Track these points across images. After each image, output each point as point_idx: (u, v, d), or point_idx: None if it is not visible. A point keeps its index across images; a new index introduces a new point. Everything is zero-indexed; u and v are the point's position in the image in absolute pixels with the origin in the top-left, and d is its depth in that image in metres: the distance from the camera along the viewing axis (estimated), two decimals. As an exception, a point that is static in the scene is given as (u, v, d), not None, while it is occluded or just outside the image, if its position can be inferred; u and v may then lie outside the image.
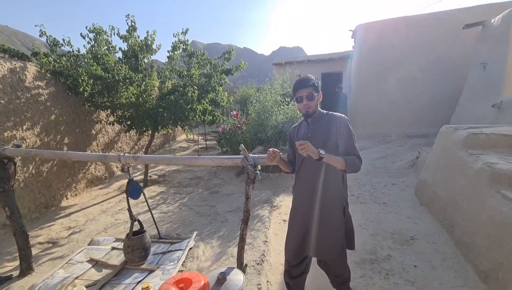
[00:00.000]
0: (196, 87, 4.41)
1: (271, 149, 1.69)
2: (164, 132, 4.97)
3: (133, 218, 2.43)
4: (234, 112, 6.88)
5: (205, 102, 5.00)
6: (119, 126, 5.73)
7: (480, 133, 2.73)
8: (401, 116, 8.16)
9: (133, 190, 2.41)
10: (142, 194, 2.51)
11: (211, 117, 5.10)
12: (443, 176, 3.05)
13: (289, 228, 1.87)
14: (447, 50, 7.27)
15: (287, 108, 5.68)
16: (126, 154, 2.24)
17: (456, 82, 7.28)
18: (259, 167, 1.95)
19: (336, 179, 1.65)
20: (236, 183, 5.23)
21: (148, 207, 2.67)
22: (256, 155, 1.93)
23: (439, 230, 2.87)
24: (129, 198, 2.42)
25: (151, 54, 4.29)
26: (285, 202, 4.24)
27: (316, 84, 1.64)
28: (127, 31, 4.00)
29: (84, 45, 4.28)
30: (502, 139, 2.64)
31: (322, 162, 1.50)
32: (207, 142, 9.66)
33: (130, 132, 5.67)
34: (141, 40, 4.13)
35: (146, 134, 5.12)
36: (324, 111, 1.73)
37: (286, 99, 5.92)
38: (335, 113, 1.71)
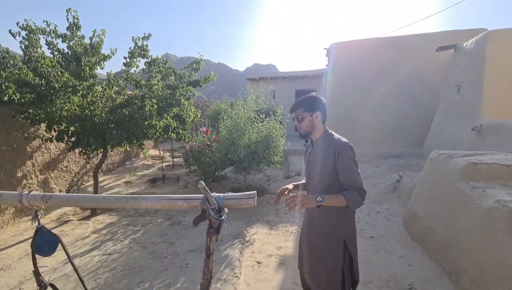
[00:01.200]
0: (155, 100, 3.75)
1: (286, 195, 1.56)
2: (120, 150, 4.19)
3: (42, 284, 1.68)
4: (204, 129, 6.26)
5: (168, 118, 4.34)
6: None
7: (481, 163, 2.41)
8: (376, 136, 8.09)
9: (42, 244, 1.67)
10: (60, 245, 1.76)
11: (174, 135, 4.43)
12: (439, 209, 2.67)
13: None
14: (419, 72, 7.39)
15: (262, 126, 5.20)
16: (32, 193, 1.53)
17: (429, 103, 7.39)
18: (226, 211, 1.37)
19: (331, 213, 1.53)
20: (203, 211, 4.54)
21: (71, 261, 1.91)
22: (222, 195, 1.34)
23: (439, 275, 2.45)
24: (36, 255, 1.67)
25: (101, 60, 3.58)
26: (259, 236, 3.65)
27: (309, 104, 1.58)
28: (67, 29, 3.28)
29: (20, 46, 3.43)
30: (505, 170, 2.33)
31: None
32: (174, 160, 8.83)
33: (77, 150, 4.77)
34: (86, 42, 3.41)
35: (99, 151, 4.30)
36: (330, 132, 1.62)
37: (261, 116, 5.45)
38: (336, 136, 1.57)
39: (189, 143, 6.14)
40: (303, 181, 1.75)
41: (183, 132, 4.69)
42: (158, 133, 4.09)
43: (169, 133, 4.37)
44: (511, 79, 4.14)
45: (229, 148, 4.91)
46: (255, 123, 5.22)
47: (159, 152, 10.26)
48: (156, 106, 3.71)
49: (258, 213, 4.50)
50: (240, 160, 4.79)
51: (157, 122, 3.93)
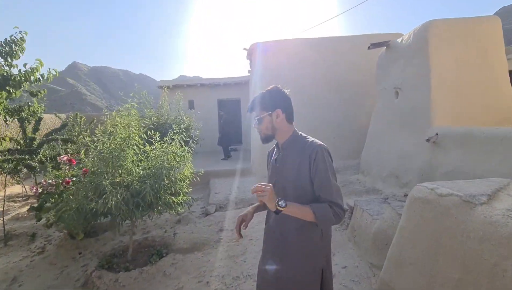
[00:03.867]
0: None
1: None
2: None
3: None
4: (64, 157, 3.96)
5: None
6: None
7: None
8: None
9: None
10: None
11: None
12: (452, 281, 1.36)
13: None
14: (350, 75, 6.76)
15: (154, 152, 3.35)
16: None
17: (366, 109, 6.81)
18: None
19: (313, 229, 1.29)
20: None
21: None
22: None
23: None
24: None
25: None
26: None
27: (265, 101, 1.36)
28: None
29: None
30: None
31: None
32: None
33: None
34: None
35: None
36: (300, 134, 1.41)
37: (155, 134, 3.57)
38: (310, 138, 1.36)
39: (44, 180, 3.82)
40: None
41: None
42: None
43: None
44: (462, 77, 3.46)
45: (91, 191, 2.87)
46: (141, 149, 3.33)
47: (23, 189, 7.06)
48: None
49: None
50: (109, 210, 2.80)
51: None
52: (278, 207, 1.15)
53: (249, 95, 7.80)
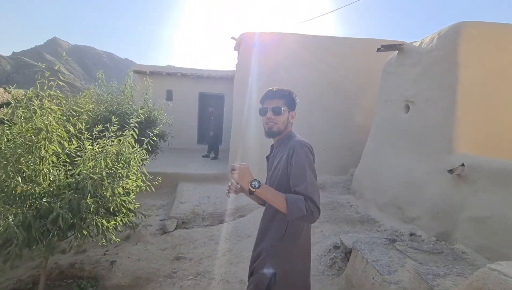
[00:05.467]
0: None
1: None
2: None
3: None
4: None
5: None
6: None
7: None
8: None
9: None
10: None
11: None
12: None
13: None
14: (348, 80, 6.05)
15: (88, 153, 2.38)
16: None
17: (358, 121, 6.13)
18: None
19: (280, 226, 1.27)
20: None
21: None
22: None
23: None
24: None
25: None
26: None
27: (291, 99, 1.41)
28: None
29: None
30: None
31: None
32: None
33: None
34: None
35: None
36: (294, 134, 1.41)
37: (94, 129, 2.59)
38: (298, 137, 1.37)
39: None
40: None
41: None
42: None
43: None
44: (494, 92, 2.77)
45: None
46: (68, 145, 2.36)
47: None
48: None
49: None
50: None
51: None
52: (250, 187, 1.15)
53: (233, 91, 6.90)
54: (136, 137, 2.83)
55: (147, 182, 3.08)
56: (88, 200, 1.98)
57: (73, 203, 2.04)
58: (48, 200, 2.02)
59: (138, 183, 2.89)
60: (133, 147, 2.79)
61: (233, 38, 6.16)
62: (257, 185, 1.13)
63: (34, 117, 2.20)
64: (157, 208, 5.17)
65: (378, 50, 3.90)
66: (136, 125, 2.87)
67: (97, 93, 4.68)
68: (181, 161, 7.56)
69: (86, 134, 2.44)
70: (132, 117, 2.96)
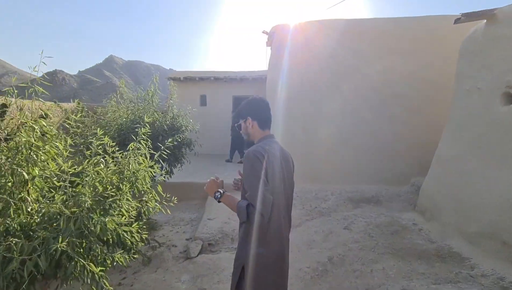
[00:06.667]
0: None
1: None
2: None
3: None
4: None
5: None
6: None
7: None
8: (338, 164, 5.41)
9: None
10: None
11: None
12: None
13: None
14: (406, 68, 4.97)
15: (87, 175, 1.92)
16: None
17: (428, 116, 5.00)
18: None
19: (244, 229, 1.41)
20: None
21: None
22: None
23: None
24: None
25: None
26: None
27: (241, 109, 1.57)
28: None
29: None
30: None
31: None
32: None
33: None
34: None
35: None
36: (260, 140, 1.52)
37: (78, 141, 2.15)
38: (262, 143, 1.47)
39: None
40: None
41: None
42: None
43: None
44: None
45: None
46: (63, 164, 1.93)
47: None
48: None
49: None
50: None
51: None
52: (215, 197, 1.42)
53: (266, 90, 6.23)
54: (149, 149, 2.36)
55: (164, 202, 2.58)
56: (60, 245, 1.47)
57: (48, 245, 1.56)
58: (19, 239, 1.56)
59: (151, 204, 2.41)
60: (140, 163, 2.29)
61: (264, 32, 5.51)
62: (218, 196, 1.41)
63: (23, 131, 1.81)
64: (185, 223, 4.72)
65: (457, 21, 2.87)
66: (146, 135, 2.40)
67: (118, 102, 4.41)
68: (214, 168, 7.12)
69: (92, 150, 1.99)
70: (140, 127, 2.48)
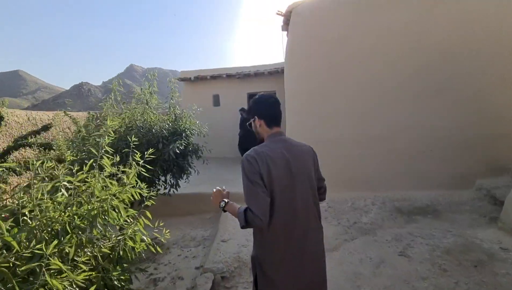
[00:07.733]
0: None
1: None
2: None
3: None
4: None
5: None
6: None
7: None
8: (377, 165, 4.42)
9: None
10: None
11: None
12: None
13: None
14: (466, 40, 3.93)
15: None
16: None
17: (497, 99, 3.93)
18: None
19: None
20: None
21: None
22: None
23: None
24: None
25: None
26: None
27: (249, 109, 1.54)
28: None
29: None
30: None
31: None
32: None
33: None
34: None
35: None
36: (266, 140, 1.48)
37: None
38: (263, 145, 1.44)
39: None
40: None
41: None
42: None
43: None
44: None
45: None
46: None
47: None
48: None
49: None
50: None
51: None
52: (220, 207, 1.43)
53: (284, 81, 5.36)
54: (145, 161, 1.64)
55: (151, 246, 1.80)
56: None
57: None
58: None
59: (130, 243, 1.68)
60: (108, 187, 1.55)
61: (279, 13, 4.65)
62: (222, 205, 1.42)
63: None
64: (196, 244, 3.99)
65: None
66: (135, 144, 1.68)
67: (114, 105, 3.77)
68: (230, 174, 6.36)
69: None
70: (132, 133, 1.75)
